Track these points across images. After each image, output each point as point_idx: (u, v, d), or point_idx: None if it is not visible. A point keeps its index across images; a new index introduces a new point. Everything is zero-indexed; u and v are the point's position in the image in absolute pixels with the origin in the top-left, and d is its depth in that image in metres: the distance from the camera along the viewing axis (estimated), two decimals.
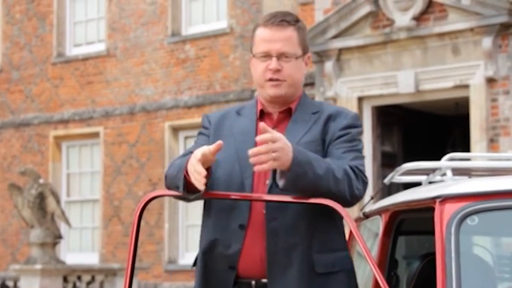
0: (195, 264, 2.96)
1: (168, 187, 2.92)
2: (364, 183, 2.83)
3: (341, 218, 2.88)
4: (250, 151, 2.67)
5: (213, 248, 2.88)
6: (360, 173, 2.82)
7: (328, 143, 2.89)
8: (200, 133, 3.04)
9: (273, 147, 2.65)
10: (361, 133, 2.95)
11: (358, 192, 2.80)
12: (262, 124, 2.70)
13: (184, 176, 2.77)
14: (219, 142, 2.71)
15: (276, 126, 2.92)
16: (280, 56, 2.90)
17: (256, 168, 2.66)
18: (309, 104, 2.97)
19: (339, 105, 3.10)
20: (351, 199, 2.79)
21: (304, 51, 2.96)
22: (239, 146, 2.88)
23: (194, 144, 3.01)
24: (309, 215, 2.84)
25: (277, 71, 2.89)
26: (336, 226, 2.91)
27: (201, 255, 2.93)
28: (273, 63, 2.88)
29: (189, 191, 2.79)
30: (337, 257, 2.88)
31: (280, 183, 2.72)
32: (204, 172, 2.68)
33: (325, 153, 2.88)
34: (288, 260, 2.81)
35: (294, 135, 2.86)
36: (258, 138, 2.66)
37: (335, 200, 2.74)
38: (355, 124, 2.92)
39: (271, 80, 2.90)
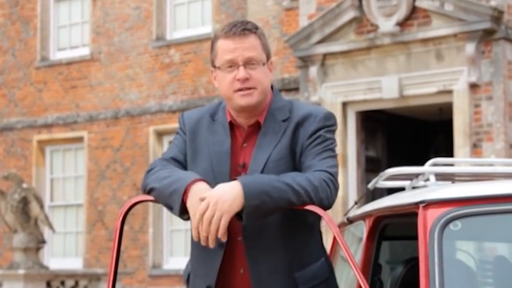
0: (188, 279, 2.97)
1: (155, 199, 2.84)
2: (335, 189, 2.77)
3: (318, 226, 2.90)
4: (202, 241, 2.66)
5: (196, 266, 2.89)
6: (329, 181, 2.75)
7: (300, 153, 2.83)
8: (177, 133, 3.01)
9: (208, 214, 2.63)
10: (333, 131, 2.88)
11: (327, 202, 2.74)
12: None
13: (182, 201, 2.71)
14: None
15: (245, 140, 2.88)
16: (247, 63, 2.82)
17: (223, 238, 2.66)
18: (279, 110, 2.89)
19: (312, 105, 3.03)
20: (325, 205, 2.75)
21: (268, 57, 2.90)
22: (215, 161, 2.84)
23: (172, 145, 2.97)
24: (287, 234, 2.81)
25: (246, 79, 2.82)
26: (314, 238, 2.89)
27: (191, 272, 2.95)
28: (241, 71, 2.81)
29: (181, 213, 2.75)
30: (316, 268, 2.86)
31: (243, 218, 2.68)
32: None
33: (297, 164, 2.82)
34: (273, 284, 2.79)
35: (263, 152, 2.82)
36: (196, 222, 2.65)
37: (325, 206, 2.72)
38: (325, 125, 2.84)
39: (240, 90, 2.82)
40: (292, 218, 2.79)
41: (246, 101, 2.83)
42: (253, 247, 2.79)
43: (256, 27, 2.89)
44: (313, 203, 2.70)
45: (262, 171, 2.78)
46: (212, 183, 2.74)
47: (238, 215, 2.67)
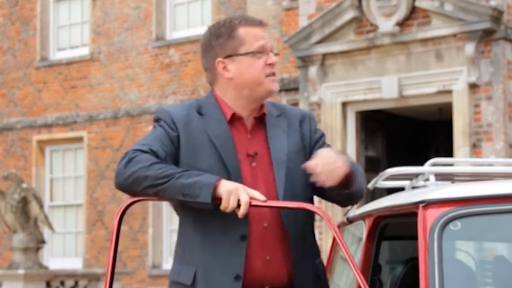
0: (194, 282, 2.84)
1: (160, 193, 2.78)
2: None
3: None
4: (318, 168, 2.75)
5: (215, 261, 2.82)
6: None
7: (310, 150, 2.95)
8: (159, 125, 2.88)
9: (338, 158, 2.77)
10: None
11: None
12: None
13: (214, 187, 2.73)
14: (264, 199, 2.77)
15: (251, 133, 2.92)
16: (270, 51, 2.94)
17: (329, 183, 2.77)
18: (269, 107, 3.00)
19: (292, 106, 3.22)
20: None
21: None
22: (223, 153, 2.84)
23: (152, 136, 2.85)
24: (309, 222, 2.93)
25: (275, 63, 2.94)
26: (314, 232, 3.02)
27: (201, 271, 2.84)
28: (273, 56, 2.91)
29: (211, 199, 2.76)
30: (321, 262, 2.99)
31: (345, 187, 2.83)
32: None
33: (307, 159, 2.89)
34: (306, 269, 2.88)
35: (279, 143, 2.90)
36: (340, 165, 2.77)
37: (362, 196, 2.92)
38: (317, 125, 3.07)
39: (272, 74, 2.92)
40: (307, 211, 2.90)
41: (276, 86, 2.94)
42: (291, 232, 2.85)
43: None
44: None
45: (286, 160, 2.88)
46: (224, 176, 2.78)
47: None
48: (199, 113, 2.92)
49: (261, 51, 2.90)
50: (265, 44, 2.90)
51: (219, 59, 2.93)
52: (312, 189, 2.92)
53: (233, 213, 2.77)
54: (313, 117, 3.03)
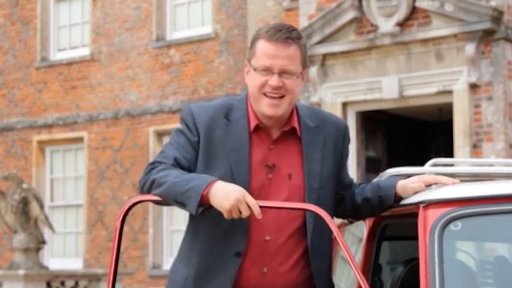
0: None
1: (161, 195, 2.78)
2: None
3: None
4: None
5: (206, 273, 2.82)
6: None
7: (339, 168, 2.96)
8: (180, 131, 2.85)
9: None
10: None
11: None
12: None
13: (202, 197, 2.67)
14: (260, 217, 2.67)
15: (275, 145, 2.84)
16: (282, 73, 2.78)
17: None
18: (306, 116, 2.88)
19: (327, 112, 3.05)
20: None
21: (304, 67, 2.85)
22: (234, 166, 2.78)
23: (175, 145, 2.83)
24: (324, 234, 2.92)
25: (279, 87, 2.78)
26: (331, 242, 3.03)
27: (192, 279, 2.85)
28: (275, 79, 2.77)
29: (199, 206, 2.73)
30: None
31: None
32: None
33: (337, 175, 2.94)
34: (325, 276, 2.93)
35: (314, 167, 2.84)
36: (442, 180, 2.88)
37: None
38: (349, 140, 3.01)
39: (270, 95, 2.78)
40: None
41: (272, 111, 2.80)
42: (312, 242, 2.84)
43: (300, 37, 2.83)
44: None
45: (318, 189, 2.83)
46: None
47: None
48: (227, 118, 2.84)
49: (265, 70, 2.79)
50: (272, 65, 2.77)
51: (246, 62, 2.88)
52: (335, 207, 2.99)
53: (234, 228, 2.74)
54: (348, 131, 2.96)
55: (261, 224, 2.76)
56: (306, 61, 2.86)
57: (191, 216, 2.88)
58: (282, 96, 2.79)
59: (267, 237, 2.80)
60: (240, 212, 2.64)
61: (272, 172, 2.82)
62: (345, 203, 3.01)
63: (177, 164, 2.79)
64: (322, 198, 2.82)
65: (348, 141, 2.96)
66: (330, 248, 2.94)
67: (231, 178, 2.76)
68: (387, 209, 3.01)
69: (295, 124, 2.86)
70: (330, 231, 2.81)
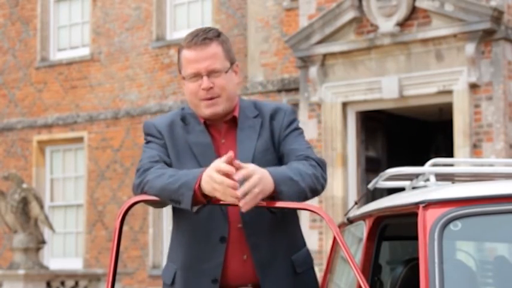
0: (173, 282, 2.93)
1: (157, 195, 2.84)
2: (325, 171, 2.92)
3: (297, 213, 3.01)
4: (239, 193, 2.62)
5: (194, 262, 2.88)
6: (321, 163, 2.90)
7: (278, 143, 2.94)
8: (150, 141, 2.98)
9: (253, 182, 2.64)
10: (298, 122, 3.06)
11: (325, 182, 2.89)
12: (230, 155, 2.67)
13: (194, 192, 2.72)
14: (231, 154, 2.68)
15: (224, 137, 2.95)
16: (210, 73, 2.87)
17: (245, 208, 2.65)
18: (248, 108, 2.98)
19: (272, 101, 3.15)
20: (322, 190, 2.88)
21: (232, 61, 2.94)
22: (201, 160, 2.88)
23: (151, 150, 2.94)
24: (279, 222, 2.90)
25: (210, 88, 2.88)
26: (298, 225, 3.03)
27: (180, 271, 2.92)
28: (205, 82, 2.87)
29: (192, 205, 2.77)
30: (305, 253, 3.00)
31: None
32: (235, 184, 2.65)
33: (277, 154, 2.92)
34: (275, 268, 2.88)
35: (247, 145, 2.90)
36: (236, 177, 2.64)
37: (312, 196, 2.82)
38: (294, 118, 2.99)
39: (206, 99, 2.88)
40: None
41: (211, 110, 2.91)
42: (253, 234, 2.86)
43: (218, 34, 2.92)
44: (318, 188, 2.82)
45: (252, 161, 2.82)
46: None
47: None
48: (183, 121, 2.97)
49: (195, 76, 2.89)
50: (198, 70, 2.87)
51: (181, 76, 2.98)
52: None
53: (214, 214, 2.81)
54: (288, 110, 2.99)
55: (234, 212, 2.83)
56: (232, 55, 2.95)
57: (173, 214, 2.97)
58: (217, 96, 2.90)
59: (239, 225, 2.87)
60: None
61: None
62: None
63: (162, 160, 2.91)
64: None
65: (289, 117, 2.96)
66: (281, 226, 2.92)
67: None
68: None
69: (236, 113, 2.96)
70: (270, 215, 2.83)
